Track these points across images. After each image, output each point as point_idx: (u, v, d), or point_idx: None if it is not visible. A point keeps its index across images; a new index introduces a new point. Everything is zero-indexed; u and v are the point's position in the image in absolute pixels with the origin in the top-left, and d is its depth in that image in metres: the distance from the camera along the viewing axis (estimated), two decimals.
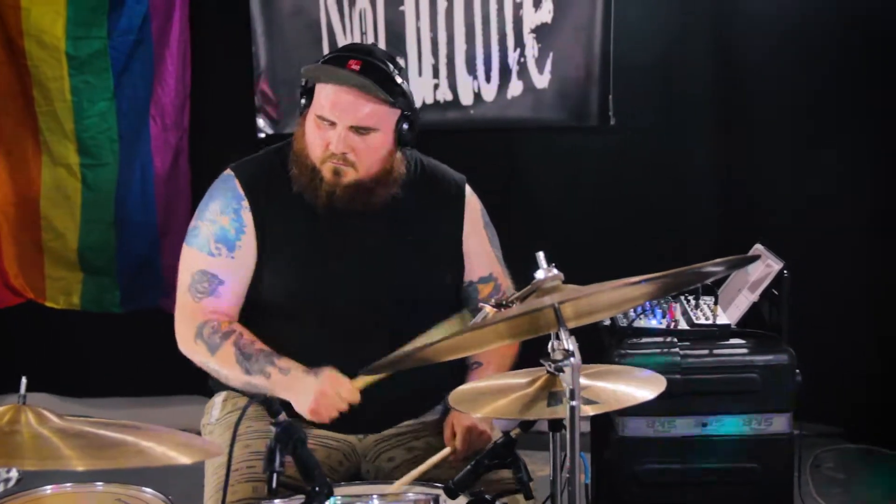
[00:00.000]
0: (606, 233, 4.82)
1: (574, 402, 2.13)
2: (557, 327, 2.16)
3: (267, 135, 4.88)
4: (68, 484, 2.52)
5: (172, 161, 4.99)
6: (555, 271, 2.28)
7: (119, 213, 5.02)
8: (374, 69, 2.72)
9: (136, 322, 4.96)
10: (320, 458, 2.75)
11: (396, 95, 2.74)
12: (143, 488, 2.48)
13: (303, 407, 2.64)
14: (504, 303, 2.34)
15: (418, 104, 4.77)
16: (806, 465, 4.35)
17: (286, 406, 2.48)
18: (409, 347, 2.40)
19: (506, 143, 4.95)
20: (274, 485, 2.05)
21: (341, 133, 2.71)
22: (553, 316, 2.13)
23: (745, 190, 4.80)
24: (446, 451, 2.67)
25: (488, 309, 2.37)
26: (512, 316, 2.21)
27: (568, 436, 2.16)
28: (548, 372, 2.27)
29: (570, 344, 2.13)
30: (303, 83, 2.81)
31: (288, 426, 2.10)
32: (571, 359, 2.12)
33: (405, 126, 2.80)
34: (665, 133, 4.82)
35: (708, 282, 2.51)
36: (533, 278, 2.25)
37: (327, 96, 2.72)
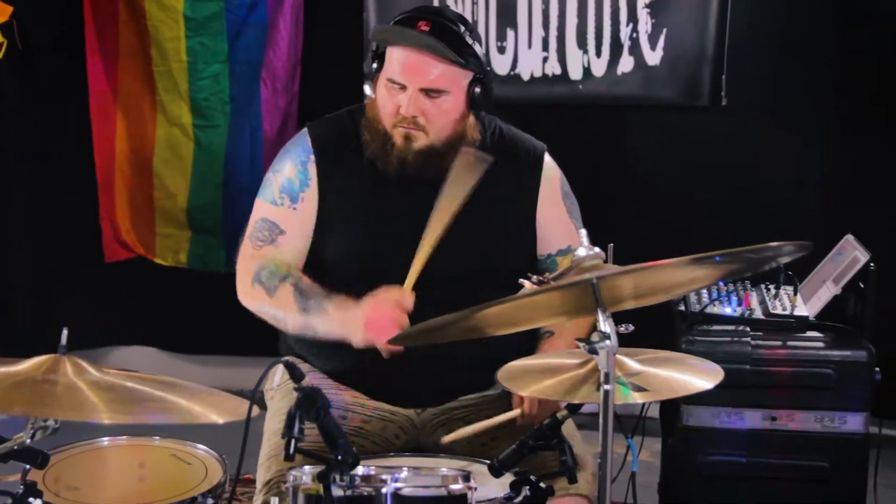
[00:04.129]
0: (710, 214, 4.71)
1: (608, 387, 2.07)
2: (595, 306, 2.10)
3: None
4: (123, 437, 2.58)
5: (281, 125, 5.05)
6: (596, 250, 2.21)
7: (228, 175, 5.11)
8: (443, 30, 2.69)
9: None
10: (375, 430, 2.77)
11: (467, 56, 2.70)
12: (197, 445, 2.53)
13: (361, 337, 2.58)
14: (544, 279, 2.29)
15: (526, 77, 4.79)
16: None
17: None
18: (448, 317, 2.36)
19: (614, 120, 4.88)
20: (291, 451, 2.03)
21: (412, 96, 2.69)
22: (603, 294, 2.07)
23: (851, 179, 4.62)
24: (514, 413, 2.66)
25: (527, 285, 2.32)
26: (543, 291, 2.17)
27: (601, 421, 2.10)
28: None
29: (607, 325, 2.07)
30: (374, 48, 2.79)
31: (310, 392, 2.07)
32: (607, 341, 2.06)
33: (477, 89, 2.75)
34: (775, 117, 4.68)
35: (768, 267, 2.40)
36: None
37: (398, 59, 2.70)
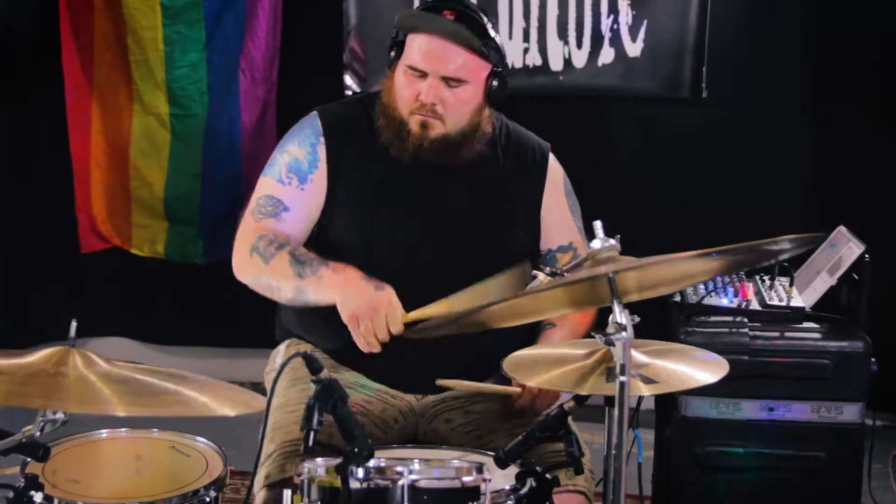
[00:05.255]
0: (692, 206, 4.74)
1: (623, 378, 2.07)
2: (611, 298, 2.10)
3: (354, 92, 4.87)
4: (123, 429, 2.55)
5: (260, 115, 5.01)
6: (611, 241, 2.21)
7: (205, 165, 5.05)
8: (469, 19, 2.72)
9: (217, 273, 5.00)
10: (375, 412, 2.77)
11: (489, 48, 2.73)
12: (197, 437, 2.51)
13: (348, 307, 2.57)
14: (558, 271, 2.28)
15: None
16: (888, 459, 4.25)
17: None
18: (461, 310, 2.35)
19: (594, 112, 4.89)
20: (310, 443, 2.02)
21: (432, 83, 2.71)
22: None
23: (833, 171, 4.66)
24: (513, 389, 2.66)
25: (541, 276, 2.32)
26: (561, 284, 2.16)
27: (616, 412, 2.11)
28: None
29: (623, 317, 2.07)
30: (393, 35, 2.80)
31: (328, 384, 2.06)
32: (623, 333, 2.06)
33: (495, 82, 2.77)
34: (757, 108, 4.71)
35: (773, 261, 2.41)
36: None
37: (420, 46, 2.72)
